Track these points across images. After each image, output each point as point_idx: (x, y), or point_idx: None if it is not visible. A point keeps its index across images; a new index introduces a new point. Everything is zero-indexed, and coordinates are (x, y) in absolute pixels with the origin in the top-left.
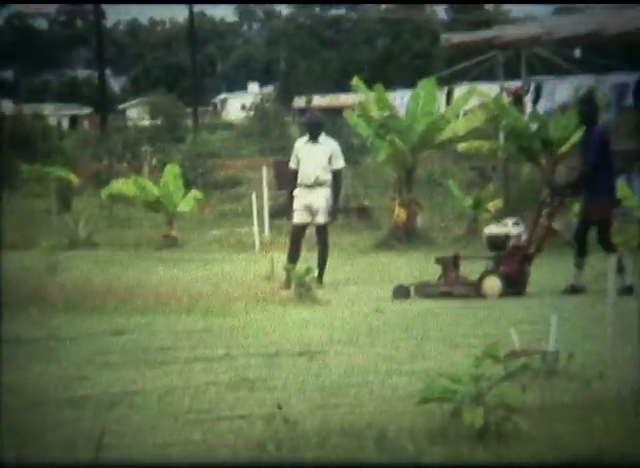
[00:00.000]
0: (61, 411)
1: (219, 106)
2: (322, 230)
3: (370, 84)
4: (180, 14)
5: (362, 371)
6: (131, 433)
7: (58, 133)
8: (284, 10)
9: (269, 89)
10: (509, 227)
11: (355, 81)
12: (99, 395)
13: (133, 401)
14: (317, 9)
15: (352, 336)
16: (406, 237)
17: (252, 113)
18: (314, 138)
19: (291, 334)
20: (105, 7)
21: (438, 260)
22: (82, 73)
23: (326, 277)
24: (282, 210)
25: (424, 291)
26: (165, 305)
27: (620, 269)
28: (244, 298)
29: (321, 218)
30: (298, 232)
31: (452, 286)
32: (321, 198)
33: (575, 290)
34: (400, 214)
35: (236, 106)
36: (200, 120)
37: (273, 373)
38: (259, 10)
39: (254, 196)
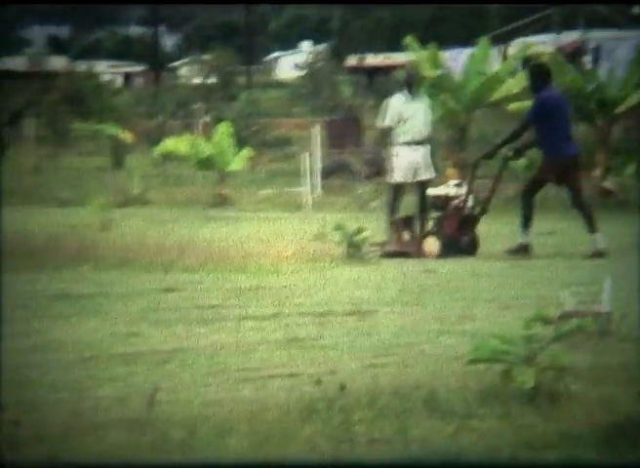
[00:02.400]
0: (114, 367)
1: (271, 65)
2: (426, 186)
3: (423, 43)
4: None
5: (412, 332)
6: (182, 390)
7: (111, 90)
8: None
9: (322, 47)
10: (449, 188)
11: (409, 40)
12: (150, 351)
13: (184, 358)
14: None
15: (402, 296)
16: None
17: (304, 72)
18: (414, 95)
19: (341, 294)
20: None
21: (392, 222)
22: (135, 31)
23: (377, 236)
24: (335, 169)
25: (375, 250)
26: (216, 263)
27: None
28: (294, 258)
29: (426, 174)
30: (398, 191)
31: (399, 245)
32: (425, 154)
33: (520, 249)
34: (452, 173)
35: (288, 65)
36: (252, 78)
37: (323, 333)
38: None
39: (306, 155)
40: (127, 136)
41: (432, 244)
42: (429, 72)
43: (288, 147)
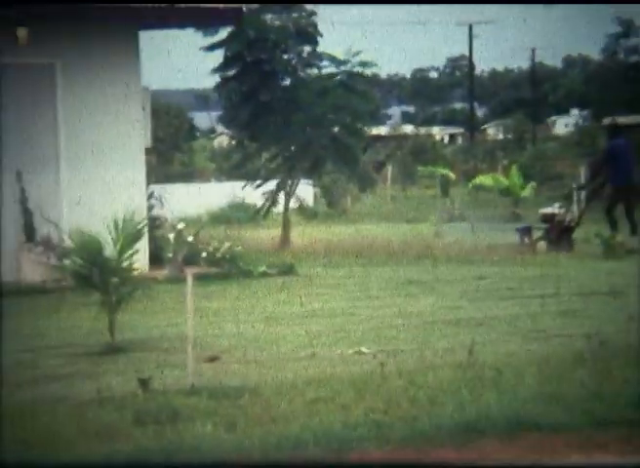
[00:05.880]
0: (445, 328)
1: (550, 125)
2: None
3: None
4: (523, 64)
5: None
6: (490, 344)
7: (441, 145)
8: (597, 57)
9: (585, 112)
10: (555, 209)
11: None
12: (468, 318)
13: (491, 323)
14: (621, 56)
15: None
16: None
17: (573, 129)
18: None
19: (600, 280)
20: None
21: (517, 230)
22: (458, 105)
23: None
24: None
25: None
26: (511, 259)
27: None
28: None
29: None
30: None
31: (521, 247)
32: None
33: None
34: None
35: (562, 125)
36: (537, 135)
37: (587, 307)
38: (578, 58)
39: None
40: (451, 175)
41: (541, 245)
42: None
43: (561, 180)
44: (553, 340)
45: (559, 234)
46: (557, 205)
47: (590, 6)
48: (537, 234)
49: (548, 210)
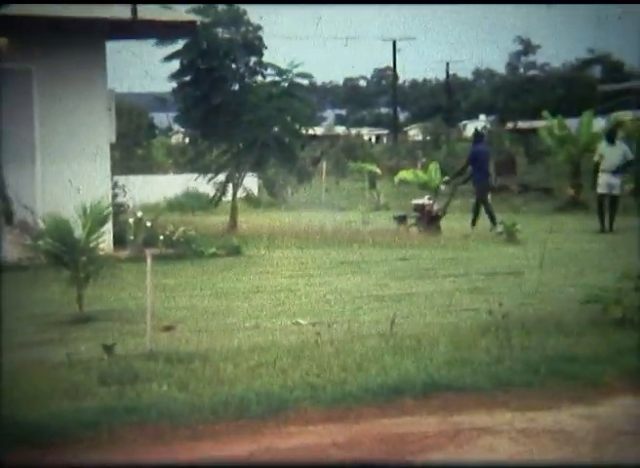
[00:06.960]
0: (373, 303)
1: (461, 129)
2: (616, 199)
3: (554, 115)
4: (439, 75)
5: (545, 284)
6: (411, 317)
7: (369, 144)
8: (502, 71)
9: (492, 118)
10: (424, 200)
11: (544, 113)
12: (392, 294)
13: (411, 299)
14: (521, 70)
15: (541, 263)
16: (574, 206)
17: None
18: (612, 142)
19: (504, 262)
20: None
21: (395, 218)
22: (383, 110)
23: (527, 229)
24: (500, 188)
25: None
26: (429, 243)
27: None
28: (478, 239)
29: (617, 191)
30: (602, 198)
31: (399, 232)
32: (617, 179)
33: (497, 233)
34: (570, 191)
35: (471, 128)
36: (451, 136)
37: (492, 285)
38: (486, 71)
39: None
40: (378, 170)
41: (413, 230)
42: (558, 132)
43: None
44: (463, 314)
45: (428, 221)
46: (427, 197)
47: (497, 28)
48: (410, 221)
49: (419, 201)
